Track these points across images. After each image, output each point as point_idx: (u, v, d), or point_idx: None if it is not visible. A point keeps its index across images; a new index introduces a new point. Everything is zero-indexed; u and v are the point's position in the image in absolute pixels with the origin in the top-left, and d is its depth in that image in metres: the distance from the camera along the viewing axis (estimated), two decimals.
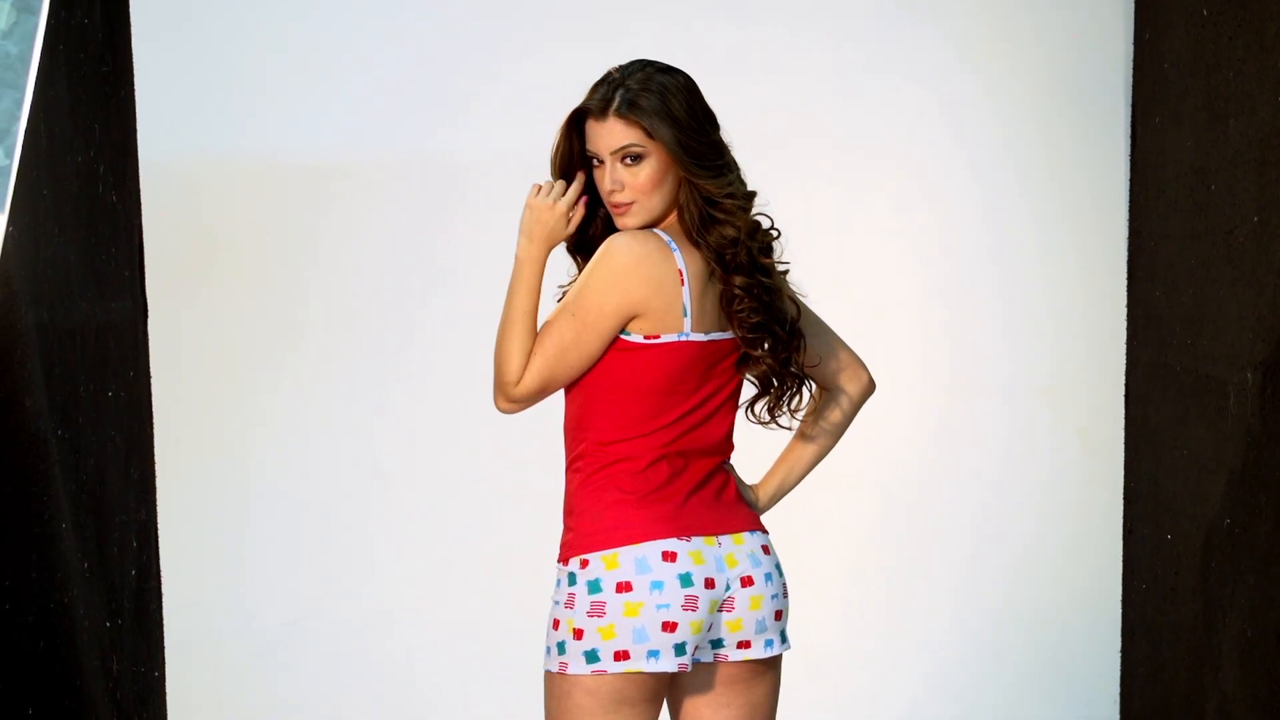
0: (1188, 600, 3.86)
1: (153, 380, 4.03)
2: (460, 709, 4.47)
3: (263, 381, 4.44)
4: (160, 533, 4.01)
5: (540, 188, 2.75)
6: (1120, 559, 4.41)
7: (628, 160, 2.68)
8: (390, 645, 4.47)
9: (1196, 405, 3.81)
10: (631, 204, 2.70)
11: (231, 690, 4.43)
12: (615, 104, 2.67)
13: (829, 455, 2.95)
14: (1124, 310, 4.38)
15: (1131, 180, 4.33)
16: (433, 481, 4.48)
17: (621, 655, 2.64)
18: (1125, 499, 4.38)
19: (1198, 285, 3.81)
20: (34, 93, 2.96)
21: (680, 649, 2.66)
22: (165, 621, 4.00)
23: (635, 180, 2.68)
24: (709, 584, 2.68)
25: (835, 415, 2.90)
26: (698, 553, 2.68)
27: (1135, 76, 4.29)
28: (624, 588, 2.64)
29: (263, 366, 4.44)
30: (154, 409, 4.06)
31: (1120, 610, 4.40)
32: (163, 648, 3.94)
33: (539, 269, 2.73)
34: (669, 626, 2.65)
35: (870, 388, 2.91)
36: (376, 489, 4.48)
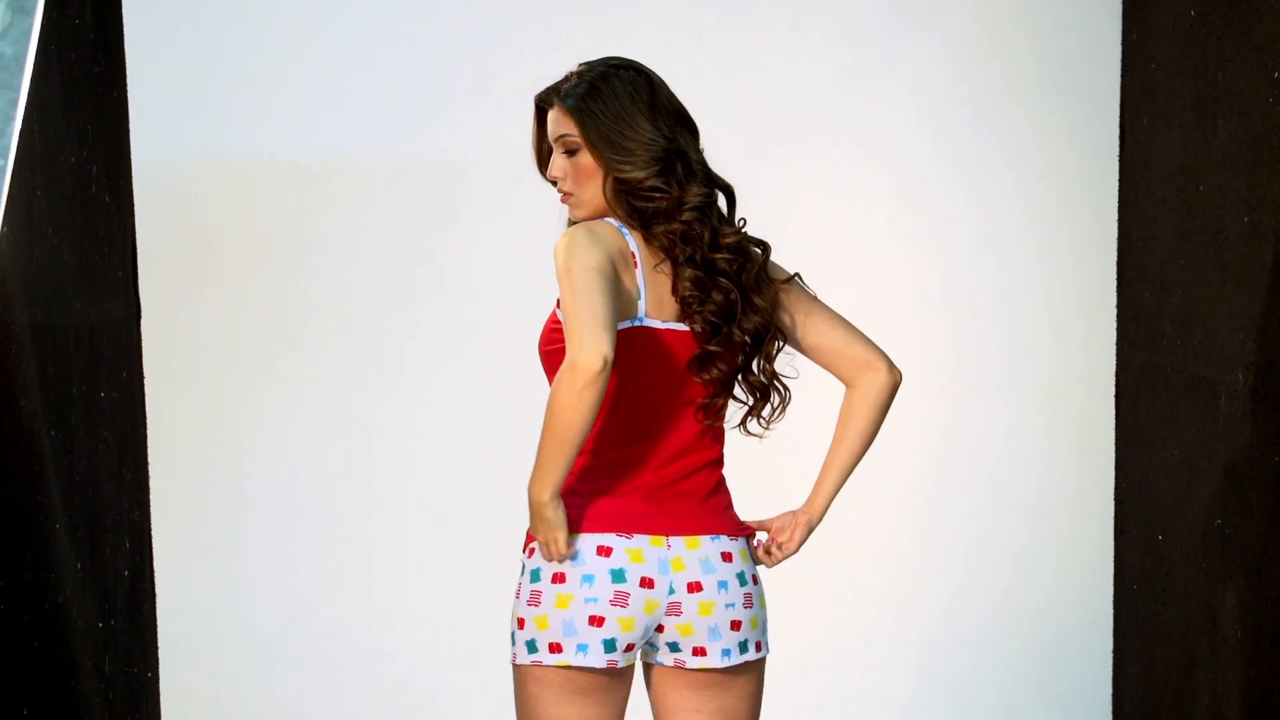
0: (1179, 600, 3.86)
1: (146, 381, 4.02)
2: (459, 709, 4.46)
3: (257, 381, 4.43)
4: (154, 533, 4.01)
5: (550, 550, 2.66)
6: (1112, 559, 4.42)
7: (568, 151, 2.71)
8: (388, 645, 4.46)
9: (1187, 406, 3.81)
10: (571, 195, 2.73)
11: (227, 691, 4.42)
12: (561, 95, 2.71)
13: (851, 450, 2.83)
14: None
15: (1120, 181, 4.33)
16: (431, 481, 4.48)
17: (555, 648, 2.64)
18: (1116, 499, 4.38)
19: (1187, 286, 3.81)
20: (27, 94, 2.96)
21: (609, 645, 2.64)
22: (159, 622, 3.99)
23: (574, 171, 2.71)
24: (646, 583, 2.66)
25: (859, 419, 2.78)
26: (637, 550, 2.66)
27: (1123, 77, 4.29)
28: (558, 579, 2.64)
29: (257, 366, 4.43)
30: (147, 409, 4.05)
31: (1112, 610, 4.41)
32: (156, 649, 3.93)
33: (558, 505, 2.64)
34: (596, 621, 2.63)
35: (889, 383, 2.77)
36: (373, 489, 4.48)
